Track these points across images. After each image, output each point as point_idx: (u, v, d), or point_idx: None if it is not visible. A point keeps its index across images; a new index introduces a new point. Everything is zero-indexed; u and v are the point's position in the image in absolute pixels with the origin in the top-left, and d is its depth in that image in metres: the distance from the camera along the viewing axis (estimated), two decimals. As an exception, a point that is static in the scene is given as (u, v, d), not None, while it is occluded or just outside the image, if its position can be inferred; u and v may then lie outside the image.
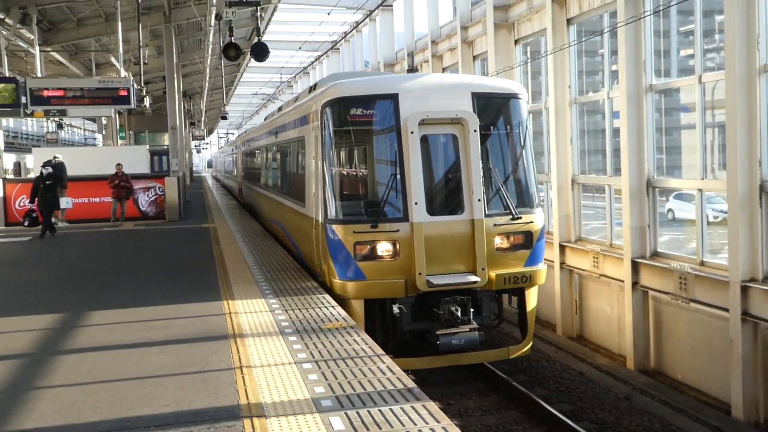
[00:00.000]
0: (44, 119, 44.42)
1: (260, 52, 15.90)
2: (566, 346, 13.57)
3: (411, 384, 5.84)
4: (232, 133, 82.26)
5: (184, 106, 37.99)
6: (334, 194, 9.90)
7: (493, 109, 10.33)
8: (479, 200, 9.52)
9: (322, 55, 37.18)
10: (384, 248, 9.43)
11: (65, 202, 19.47)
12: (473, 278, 9.38)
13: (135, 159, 25.91)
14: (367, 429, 4.88)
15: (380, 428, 4.89)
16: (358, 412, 5.18)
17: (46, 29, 21.67)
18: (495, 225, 9.67)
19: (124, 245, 16.04)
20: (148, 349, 7.06)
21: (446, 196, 9.82)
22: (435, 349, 9.45)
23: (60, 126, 42.29)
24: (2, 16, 18.42)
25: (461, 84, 10.29)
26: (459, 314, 9.18)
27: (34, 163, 19.87)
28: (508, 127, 10.35)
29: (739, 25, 9.87)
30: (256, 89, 53.15)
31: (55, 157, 19.83)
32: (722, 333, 10.52)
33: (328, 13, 27.35)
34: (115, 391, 5.83)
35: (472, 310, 9.41)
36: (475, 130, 9.62)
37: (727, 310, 10.22)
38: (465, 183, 9.62)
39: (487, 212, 9.59)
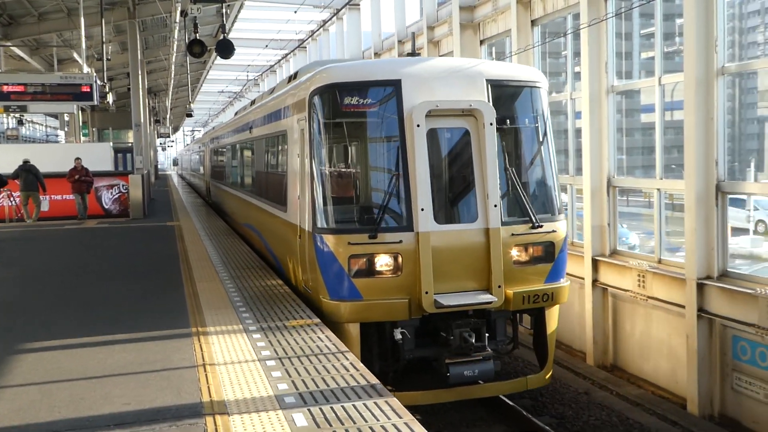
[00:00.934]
0: (4, 115, 43.42)
1: (225, 49, 15.74)
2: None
3: (374, 380, 5.85)
4: (199, 131, 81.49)
5: (148, 103, 37.50)
6: (325, 198, 8.46)
7: (511, 99, 8.98)
8: (495, 206, 8.19)
9: (289, 53, 37.04)
10: (384, 262, 8.04)
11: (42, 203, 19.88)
12: (488, 298, 8.06)
13: (98, 156, 25.42)
14: (330, 425, 4.88)
15: (343, 424, 4.90)
16: (321, 409, 5.18)
17: (6, 23, 21.21)
18: (513, 235, 8.34)
19: (86, 243, 15.77)
20: (110, 348, 6.96)
21: (457, 202, 8.50)
22: (442, 380, 8.17)
23: (21, 122, 41.38)
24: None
25: (474, 69, 8.79)
26: (473, 340, 7.96)
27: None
28: (527, 120, 9.02)
29: (697, 29, 10.06)
30: (223, 87, 52.80)
31: (25, 161, 19.44)
32: (679, 329, 10.74)
33: (295, 11, 27.21)
34: (75, 390, 5.74)
35: (486, 335, 8.18)
36: (491, 124, 8.26)
37: (683, 307, 10.43)
38: (479, 186, 8.29)
39: (503, 220, 8.29)
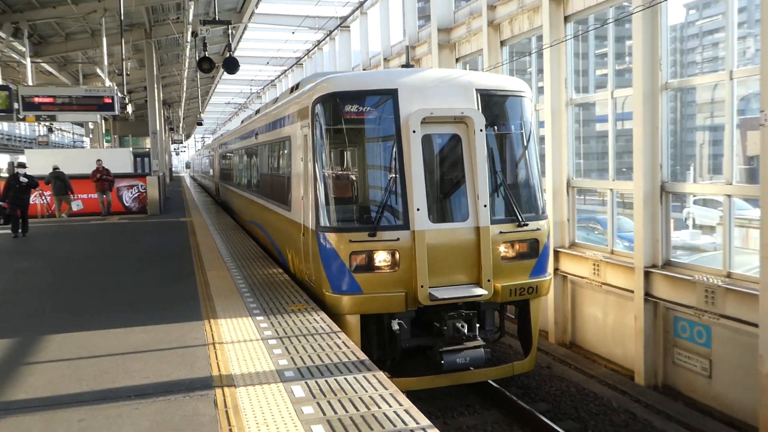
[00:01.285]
0: (36, 124, 43.02)
1: (231, 65, 15.68)
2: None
3: (363, 357, 5.89)
4: (208, 137, 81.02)
5: (163, 113, 37.26)
6: (327, 199, 8.14)
7: (498, 107, 8.70)
8: (485, 206, 7.94)
9: (288, 69, 36.96)
10: (382, 258, 7.78)
11: (75, 205, 19.82)
12: (479, 291, 7.82)
13: (120, 160, 25.32)
14: (325, 396, 4.92)
15: (336, 395, 4.94)
16: (316, 382, 5.22)
17: (37, 42, 21.02)
18: (501, 233, 8.11)
19: (109, 237, 15.69)
20: (131, 329, 6.95)
21: (450, 202, 8.19)
22: (435, 367, 7.97)
23: (50, 130, 40.98)
24: (-4, 30, 17.82)
25: (465, 79, 8.51)
26: (465, 330, 7.75)
27: (26, 163, 19.41)
28: (513, 127, 8.75)
29: (644, 49, 10.17)
30: (229, 99, 52.54)
31: (55, 168, 19.26)
32: (628, 311, 10.85)
33: (293, 32, 27.19)
34: (100, 365, 5.75)
35: (477, 325, 8.03)
36: (481, 130, 8.04)
37: (632, 292, 10.54)
38: (470, 187, 8.05)
39: (492, 219, 8.05)
